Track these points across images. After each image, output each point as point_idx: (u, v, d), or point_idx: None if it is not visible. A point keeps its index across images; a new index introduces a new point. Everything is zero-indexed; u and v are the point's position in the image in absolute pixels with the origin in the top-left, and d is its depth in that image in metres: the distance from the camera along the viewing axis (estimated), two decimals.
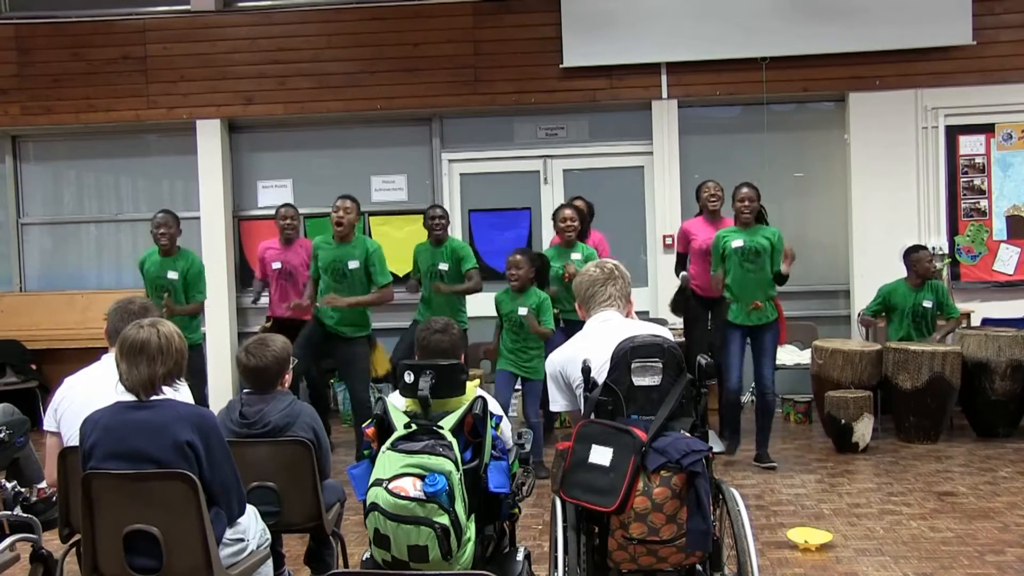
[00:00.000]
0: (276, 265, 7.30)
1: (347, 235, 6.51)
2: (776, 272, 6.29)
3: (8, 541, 3.44)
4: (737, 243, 6.24)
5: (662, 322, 7.10)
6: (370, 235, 8.69)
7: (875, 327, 7.51)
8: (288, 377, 3.82)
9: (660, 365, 3.15)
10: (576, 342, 3.51)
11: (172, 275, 6.80)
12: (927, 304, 7.16)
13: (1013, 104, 8.17)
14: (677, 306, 7.29)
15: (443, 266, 6.98)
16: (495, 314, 6.50)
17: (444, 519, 2.82)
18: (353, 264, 6.48)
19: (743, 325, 6.29)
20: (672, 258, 7.78)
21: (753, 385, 6.56)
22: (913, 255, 7.24)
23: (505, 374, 6.37)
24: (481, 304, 7.45)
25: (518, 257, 6.34)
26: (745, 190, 6.30)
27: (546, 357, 3.60)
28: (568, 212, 6.79)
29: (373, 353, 6.86)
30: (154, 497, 3.06)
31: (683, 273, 7.11)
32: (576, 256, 6.69)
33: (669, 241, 8.29)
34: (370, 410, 6.62)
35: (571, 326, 6.27)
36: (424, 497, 2.82)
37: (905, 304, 7.19)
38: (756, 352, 6.33)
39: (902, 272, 7.33)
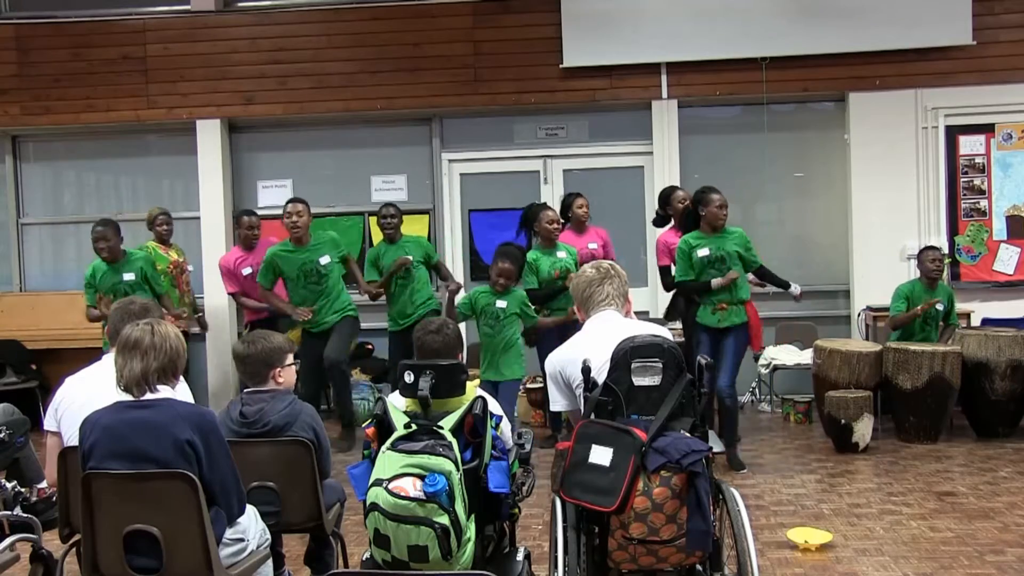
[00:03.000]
0: (247, 271, 7.31)
1: (303, 237, 6.71)
2: (757, 267, 6.27)
3: (8, 541, 3.45)
4: (703, 252, 6.19)
5: (662, 322, 7.09)
6: (370, 235, 8.70)
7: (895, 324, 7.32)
8: (280, 371, 3.78)
9: (660, 365, 3.15)
10: (576, 342, 3.51)
11: (128, 276, 6.83)
12: (939, 307, 7.16)
13: (1013, 104, 8.17)
14: (672, 312, 7.26)
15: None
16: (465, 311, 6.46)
17: (444, 519, 2.82)
18: (325, 260, 6.67)
19: (709, 327, 6.26)
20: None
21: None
22: (918, 255, 7.27)
23: (487, 385, 6.32)
24: None
25: (508, 266, 6.19)
26: (718, 196, 6.18)
27: (540, 358, 3.61)
28: (551, 214, 6.82)
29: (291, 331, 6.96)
30: (154, 497, 3.06)
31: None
32: (561, 255, 6.75)
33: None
34: (343, 375, 6.80)
35: (565, 326, 6.27)
36: (424, 497, 2.82)
37: (920, 303, 7.17)
38: (719, 355, 6.21)
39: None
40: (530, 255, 6.88)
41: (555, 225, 6.79)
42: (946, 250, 8.18)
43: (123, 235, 6.99)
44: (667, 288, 7.09)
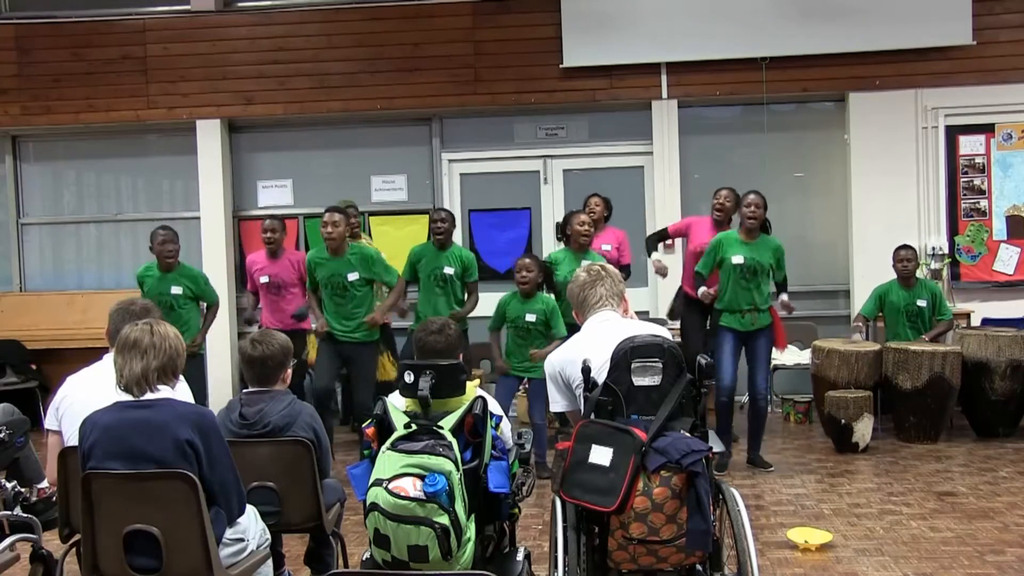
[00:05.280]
0: (263, 279, 7.18)
1: (340, 248, 6.46)
2: (779, 281, 6.33)
3: (8, 541, 3.45)
4: (738, 259, 6.19)
5: (662, 322, 7.09)
6: (370, 235, 8.67)
7: (866, 330, 7.36)
8: (288, 374, 3.83)
9: (660, 365, 3.16)
10: (575, 342, 3.51)
11: (176, 290, 6.71)
12: (921, 303, 7.16)
13: (1013, 104, 8.17)
14: (674, 312, 7.27)
15: (448, 270, 6.74)
16: (490, 315, 6.50)
17: (444, 519, 2.83)
18: (352, 276, 6.45)
19: (735, 330, 6.26)
20: (672, 258, 7.80)
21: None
22: (893, 255, 7.27)
23: (508, 378, 6.37)
24: (481, 305, 7.46)
25: (528, 260, 6.33)
26: (752, 196, 6.26)
27: None
28: (582, 218, 6.60)
29: (382, 358, 6.87)
30: (154, 497, 3.06)
31: (703, 290, 6.48)
32: (586, 263, 6.67)
33: (669, 242, 8.27)
34: (369, 411, 6.66)
35: (572, 330, 6.27)
36: (424, 497, 2.82)
37: (899, 303, 7.20)
38: (750, 358, 6.29)
39: None
40: (555, 254, 6.72)
41: (585, 228, 6.53)
42: (946, 250, 8.19)
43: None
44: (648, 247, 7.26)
